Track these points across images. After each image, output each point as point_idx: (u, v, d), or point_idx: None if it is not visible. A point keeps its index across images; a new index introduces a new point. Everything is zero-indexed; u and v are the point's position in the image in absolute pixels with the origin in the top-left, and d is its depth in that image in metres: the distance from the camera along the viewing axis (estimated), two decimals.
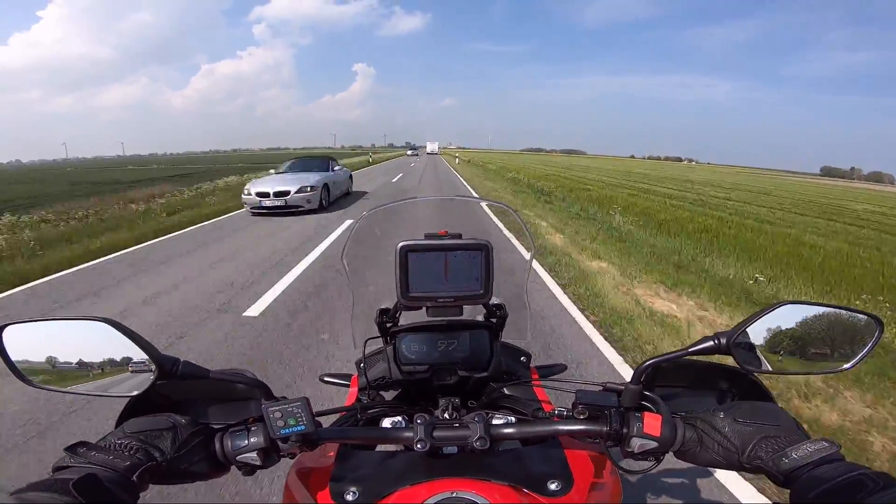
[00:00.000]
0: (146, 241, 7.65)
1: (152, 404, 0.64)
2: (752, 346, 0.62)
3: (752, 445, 0.54)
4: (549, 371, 1.03)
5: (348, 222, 8.54)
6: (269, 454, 0.59)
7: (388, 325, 0.89)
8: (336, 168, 12.12)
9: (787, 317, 0.62)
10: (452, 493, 0.55)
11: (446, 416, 0.79)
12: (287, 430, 0.57)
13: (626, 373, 3.10)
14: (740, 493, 2.05)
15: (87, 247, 7.19)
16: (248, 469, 0.60)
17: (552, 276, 5.39)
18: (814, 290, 6.20)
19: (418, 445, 0.59)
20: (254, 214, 9.84)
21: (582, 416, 0.62)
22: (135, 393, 0.57)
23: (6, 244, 7.17)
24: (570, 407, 0.64)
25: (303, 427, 0.57)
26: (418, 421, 0.61)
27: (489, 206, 9.79)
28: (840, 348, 0.63)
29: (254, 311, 4.19)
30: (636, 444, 0.58)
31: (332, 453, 0.68)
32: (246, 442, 0.58)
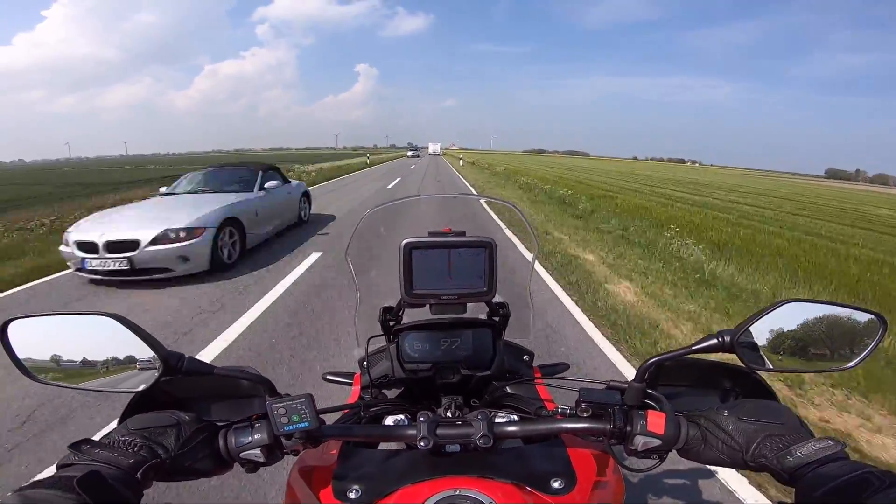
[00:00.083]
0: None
1: (156, 401, 0.64)
2: (755, 345, 0.61)
3: (756, 443, 0.54)
4: (551, 370, 1.03)
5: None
6: (273, 451, 0.59)
7: (392, 323, 0.89)
8: (273, 184, 7.15)
9: (791, 315, 0.61)
10: (455, 491, 0.55)
11: (449, 414, 0.79)
12: (291, 427, 0.57)
13: None
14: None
15: None
16: (252, 466, 0.60)
17: None
18: None
19: (422, 443, 0.59)
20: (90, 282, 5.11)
21: (585, 415, 0.62)
22: (140, 389, 0.57)
23: None
24: (574, 405, 0.64)
25: (307, 424, 0.57)
26: (421, 419, 0.61)
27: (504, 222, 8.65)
28: (843, 346, 0.63)
29: None
30: (640, 441, 0.58)
31: (334, 451, 0.68)
32: (250, 439, 0.58)
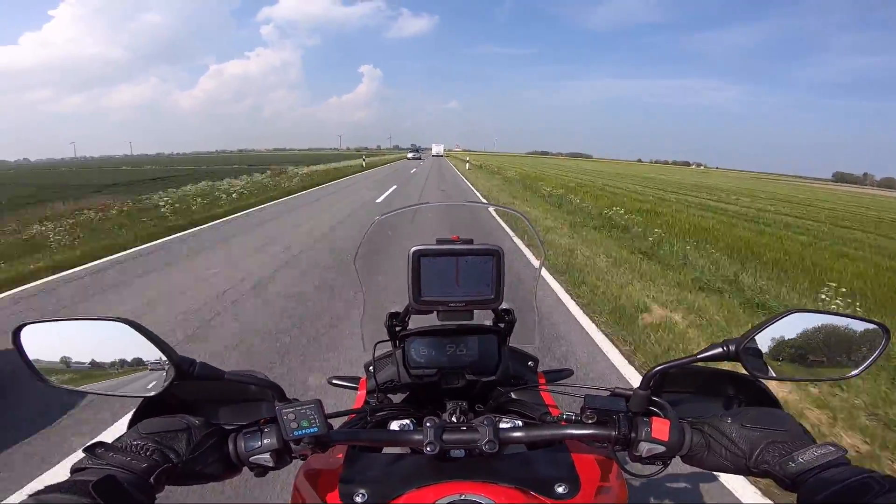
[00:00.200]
0: None
1: (165, 405, 0.65)
2: (759, 353, 0.62)
3: (759, 450, 0.54)
4: (556, 376, 1.03)
5: None
6: (282, 455, 0.60)
7: (398, 328, 0.90)
8: None
9: (795, 325, 0.62)
10: (461, 496, 0.55)
11: (454, 419, 0.79)
12: (300, 432, 0.57)
13: None
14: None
15: None
16: (261, 470, 0.61)
17: None
18: None
19: (428, 448, 0.60)
20: None
21: (591, 421, 0.62)
22: (152, 394, 0.58)
23: None
24: (578, 411, 0.64)
25: (316, 429, 0.58)
26: (428, 424, 0.62)
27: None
28: (847, 355, 0.64)
29: None
30: (644, 448, 0.59)
31: (340, 455, 0.69)
32: (259, 443, 0.59)
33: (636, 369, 3.30)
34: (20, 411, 2.59)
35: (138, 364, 0.58)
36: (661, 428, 0.59)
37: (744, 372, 0.63)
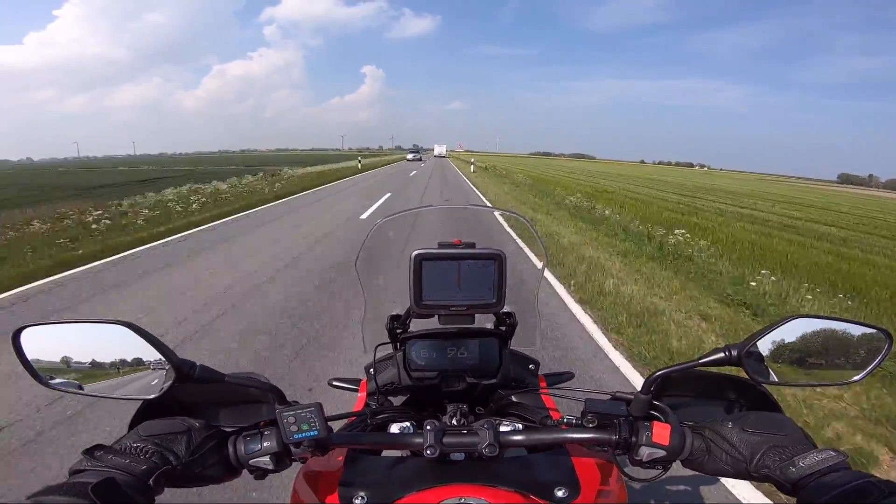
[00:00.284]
0: None
1: (164, 407, 0.65)
2: (761, 358, 0.62)
3: (760, 454, 0.54)
4: (556, 379, 1.03)
5: None
6: (282, 458, 0.60)
7: (399, 331, 0.90)
8: None
9: (797, 330, 0.62)
10: (461, 499, 0.55)
11: (454, 422, 0.79)
12: (300, 435, 0.57)
13: None
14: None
15: None
16: (261, 473, 0.61)
17: None
18: None
19: (428, 451, 0.60)
20: None
21: (591, 425, 0.62)
22: (152, 396, 0.58)
23: None
24: (579, 415, 0.64)
25: (316, 432, 0.58)
26: (428, 427, 0.61)
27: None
28: (849, 360, 0.63)
29: None
30: (645, 452, 0.59)
31: (340, 458, 0.68)
32: (259, 446, 0.59)
33: None
34: None
35: (138, 366, 0.58)
36: (661, 432, 0.58)
37: (745, 377, 0.63)
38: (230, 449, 0.59)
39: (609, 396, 0.65)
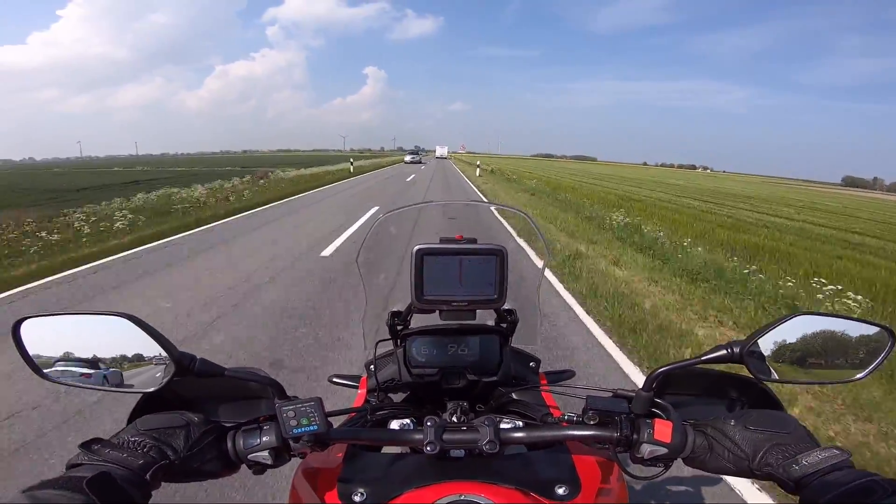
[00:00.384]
0: None
1: (164, 401, 0.65)
2: (763, 356, 0.62)
3: (762, 452, 0.54)
4: (557, 377, 1.03)
5: None
6: (281, 453, 0.59)
7: (399, 327, 0.90)
8: None
9: (800, 327, 0.62)
10: (460, 496, 0.55)
11: (455, 419, 0.79)
12: (300, 430, 0.57)
13: None
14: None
15: None
16: (259, 468, 0.60)
17: None
18: None
19: (428, 448, 0.59)
20: None
21: (592, 422, 0.62)
22: (151, 389, 0.58)
23: None
24: (580, 413, 0.64)
25: (316, 427, 0.57)
26: (428, 423, 0.61)
27: None
28: (852, 358, 0.63)
29: None
30: (646, 450, 0.58)
31: (339, 454, 0.68)
32: (258, 441, 0.58)
33: None
34: None
35: (138, 359, 0.58)
36: (663, 430, 0.58)
37: (747, 374, 0.63)
38: (229, 444, 0.59)
39: (610, 394, 0.65)
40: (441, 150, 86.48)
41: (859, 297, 4.99)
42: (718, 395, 0.74)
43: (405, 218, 0.97)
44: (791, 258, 8.14)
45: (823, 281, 5.59)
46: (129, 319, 0.55)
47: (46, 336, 0.58)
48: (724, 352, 0.60)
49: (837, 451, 0.49)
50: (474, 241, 0.72)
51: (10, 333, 0.56)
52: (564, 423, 0.66)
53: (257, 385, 0.64)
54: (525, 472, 0.63)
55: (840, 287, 5.39)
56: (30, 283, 5.33)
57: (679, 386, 0.73)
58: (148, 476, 0.49)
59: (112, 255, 6.71)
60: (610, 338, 3.92)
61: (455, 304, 0.72)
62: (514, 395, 0.86)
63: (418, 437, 0.61)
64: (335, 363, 3.22)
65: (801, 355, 0.62)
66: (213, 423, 0.60)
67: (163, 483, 0.53)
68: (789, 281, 5.86)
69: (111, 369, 0.59)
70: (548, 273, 5.85)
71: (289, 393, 0.63)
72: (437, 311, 0.76)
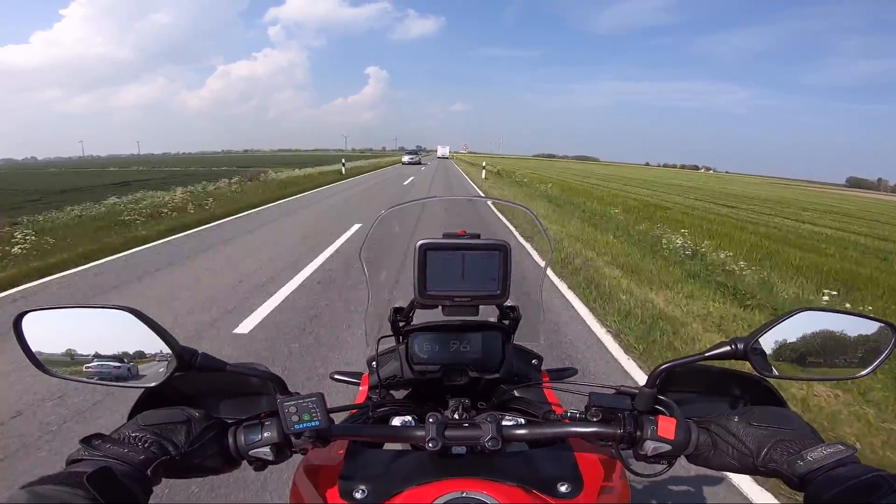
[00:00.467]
0: None
1: (164, 396, 0.64)
2: (767, 352, 0.61)
3: (767, 449, 0.54)
4: (559, 374, 1.03)
5: None
6: (282, 449, 0.59)
7: (402, 324, 0.90)
8: None
9: (804, 324, 0.61)
10: (462, 493, 0.55)
11: (456, 416, 0.79)
12: (301, 426, 0.57)
13: None
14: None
15: None
16: (260, 464, 0.60)
17: None
18: None
19: (430, 444, 0.59)
20: None
21: (595, 419, 0.61)
22: (153, 384, 0.57)
23: None
24: (583, 410, 0.64)
25: (317, 423, 0.57)
26: (430, 420, 0.61)
27: None
28: (855, 354, 0.63)
29: None
30: (650, 447, 0.58)
31: (341, 451, 0.68)
32: (259, 437, 0.58)
33: None
34: None
35: (140, 354, 0.58)
36: (667, 426, 0.58)
37: (750, 371, 0.62)
38: (230, 439, 0.58)
39: (613, 391, 0.65)
40: (443, 150, 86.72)
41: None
42: (721, 392, 0.74)
43: (407, 214, 0.97)
44: (875, 285, 6.49)
45: None
46: (132, 313, 0.55)
47: (48, 330, 0.58)
48: (728, 348, 0.59)
49: (842, 447, 0.49)
50: (477, 236, 0.72)
51: (12, 327, 0.55)
52: (567, 420, 0.65)
53: (258, 381, 0.64)
54: (527, 469, 0.63)
55: None
56: None
57: (682, 383, 0.72)
58: (149, 471, 0.49)
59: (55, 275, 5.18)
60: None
61: (458, 299, 0.72)
62: (516, 393, 0.86)
63: (420, 433, 0.61)
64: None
65: (804, 351, 0.62)
66: (214, 419, 0.59)
67: (163, 479, 0.52)
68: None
69: (113, 364, 0.58)
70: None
71: (290, 389, 0.63)
72: (440, 308, 0.76)
